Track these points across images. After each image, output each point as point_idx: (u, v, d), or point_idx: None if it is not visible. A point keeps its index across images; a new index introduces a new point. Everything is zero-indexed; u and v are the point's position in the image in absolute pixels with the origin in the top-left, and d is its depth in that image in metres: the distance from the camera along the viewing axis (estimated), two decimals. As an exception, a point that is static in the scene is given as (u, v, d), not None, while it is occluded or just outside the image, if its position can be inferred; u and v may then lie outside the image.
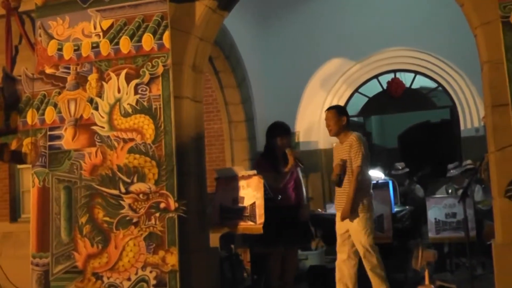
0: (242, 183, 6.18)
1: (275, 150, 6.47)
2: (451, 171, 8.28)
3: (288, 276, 6.49)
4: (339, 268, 5.74)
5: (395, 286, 5.71)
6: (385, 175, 8.15)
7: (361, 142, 5.70)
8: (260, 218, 6.00)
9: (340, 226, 5.75)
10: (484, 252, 6.78)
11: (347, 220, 5.64)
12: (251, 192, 6.10)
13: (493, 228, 5.40)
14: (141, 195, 5.90)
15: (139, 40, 6.11)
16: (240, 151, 10.87)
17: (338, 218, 5.77)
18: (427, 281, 6.34)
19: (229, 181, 6.31)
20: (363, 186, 5.66)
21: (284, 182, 6.34)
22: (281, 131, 6.49)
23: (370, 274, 5.57)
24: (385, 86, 11.70)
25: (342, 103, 11.61)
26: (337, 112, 5.91)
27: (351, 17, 11.22)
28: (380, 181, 7.29)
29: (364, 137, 6.07)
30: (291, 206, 6.39)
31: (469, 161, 8.46)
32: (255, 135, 11.03)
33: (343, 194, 5.69)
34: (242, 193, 6.13)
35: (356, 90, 11.83)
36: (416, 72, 11.47)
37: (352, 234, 5.65)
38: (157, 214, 5.84)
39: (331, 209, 7.32)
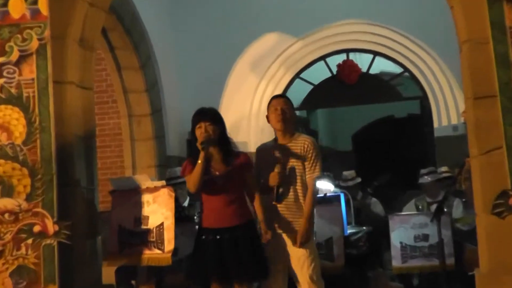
0: (146, 197, 6.21)
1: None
2: (425, 177, 8.36)
3: None
4: None
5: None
6: (335, 186, 8.18)
7: (318, 148, 5.73)
8: (169, 244, 6.03)
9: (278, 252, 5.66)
10: (465, 284, 6.89)
11: (285, 245, 5.59)
12: (158, 209, 6.13)
13: (476, 254, 5.50)
14: (6, 215, 5.79)
15: (5, 5, 6.01)
16: (145, 154, 10.82)
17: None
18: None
19: (130, 194, 6.31)
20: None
21: (195, 181, 5.51)
22: (195, 118, 5.65)
23: None
24: (334, 70, 11.83)
25: (279, 92, 11.63)
26: (291, 103, 5.89)
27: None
28: (328, 194, 7.32)
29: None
30: (229, 227, 5.89)
31: (444, 168, 8.58)
32: (165, 133, 11.00)
33: (285, 211, 5.61)
34: (146, 211, 6.16)
35: (298, 75, 11.98)
36: (375, 53, 11.66)
37: (295, 262, 5.60)
38: (30, 241, 5.76)
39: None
